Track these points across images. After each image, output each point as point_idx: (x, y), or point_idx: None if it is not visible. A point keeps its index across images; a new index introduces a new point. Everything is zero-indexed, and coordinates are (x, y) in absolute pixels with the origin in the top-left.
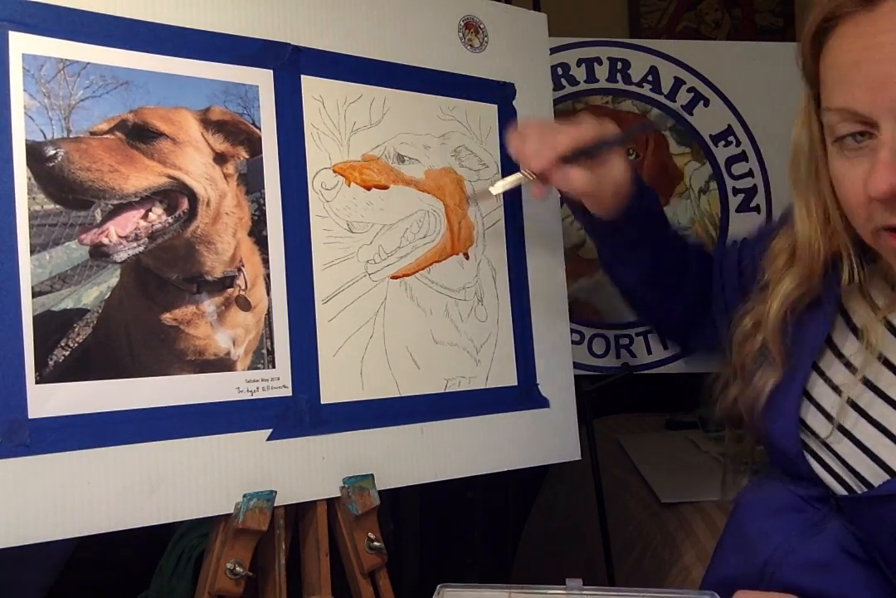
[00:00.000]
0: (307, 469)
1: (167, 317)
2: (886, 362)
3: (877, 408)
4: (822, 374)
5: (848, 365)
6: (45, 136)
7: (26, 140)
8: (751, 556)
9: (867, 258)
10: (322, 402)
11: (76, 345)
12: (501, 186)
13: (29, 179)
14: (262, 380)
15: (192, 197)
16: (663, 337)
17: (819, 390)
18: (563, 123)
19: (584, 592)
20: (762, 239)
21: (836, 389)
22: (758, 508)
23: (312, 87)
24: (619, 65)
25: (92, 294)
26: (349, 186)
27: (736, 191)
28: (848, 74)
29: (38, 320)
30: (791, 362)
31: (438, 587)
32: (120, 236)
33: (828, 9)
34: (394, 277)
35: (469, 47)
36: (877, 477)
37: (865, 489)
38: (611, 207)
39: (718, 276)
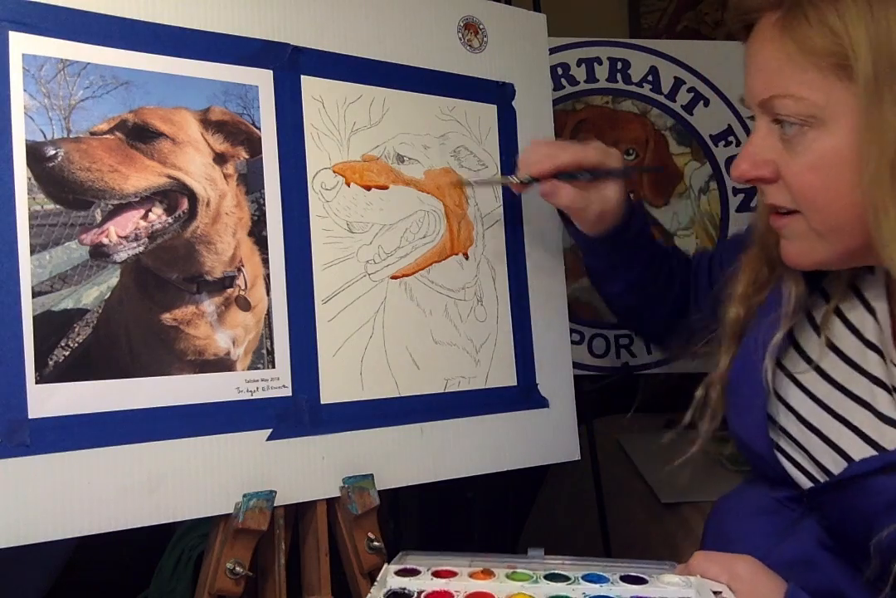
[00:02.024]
0: (307, 469)
1: (167, 317)
2: (842, 356)
3: (842, 404)
4: (788, 374)
5: (808, 361)
6: (45, 136)
7: (26, 140)
8: None
9: None
10: (322, 402)
11: (76, 345)
12: (483, 181)
13: (29, 179)
14: (262, 380)
15: (192, 197)
16: (643, 339)
17: (787, 390)
18: (574, 143)
19: (546, 560)
20: (734, 247)
21: (802, 388)
22: (734, 511)
23: (312, 88)
24: (619, 65)
25: (92, 294)
26: (349, 186)
27: (736, 191)
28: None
29: (38, 320)
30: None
31: (400, 554)
32: (120, 236)
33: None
34: (394, 278)
35: (469, 48)
36: (838, 467)
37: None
38: (594, 227)
39: (694, 282)
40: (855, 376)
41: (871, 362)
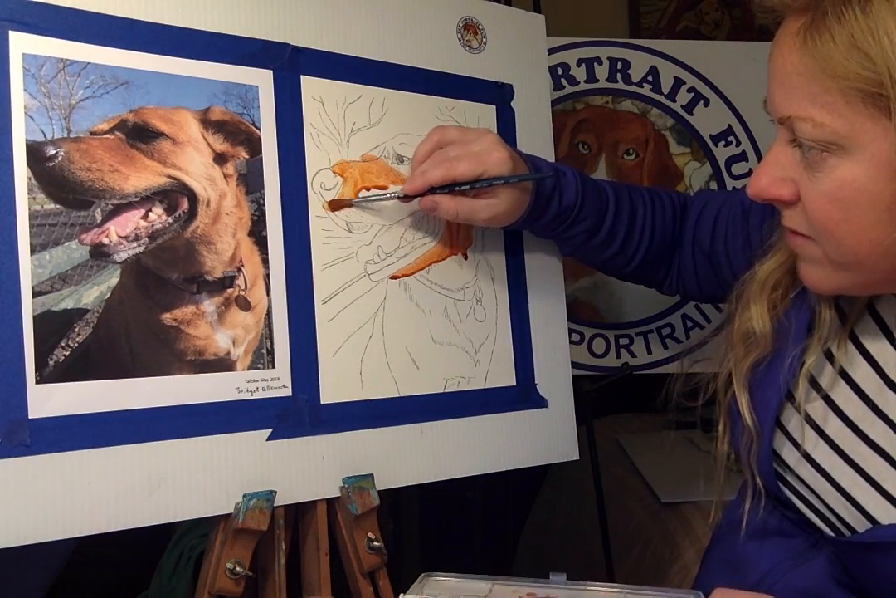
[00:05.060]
0: (307, 469)
1: (167, 317)
2: (856, 389)
3: (857, 450)
4: (791, 399)
5: (817, 389)
6: (45, 136)
7: (26, 140)
8: (740, 578)
9: None
10: (322, 402)
11: (76, 345)
12: (366, 199)
13: (29, 179)
14: (262, 380)
15: (192, 197)
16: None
17: (792, 421)
18: (449, 158)
19: (567, 586)
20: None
21: (809, 421)
22: (748, 528)
23: (312, 88)
24: (619, 65)
25: (92, 294)
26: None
27: (736, 191)
28: None
29: (38, 320)
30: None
31: (422, 575)
32: (120, 236)
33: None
34: (393, 278)
35: (468, 48)
36: (859, 523)
37: (847, 531)
38: (495, 224)
39: (708, 225)
40: (870, 417)
41: (893, 406)
